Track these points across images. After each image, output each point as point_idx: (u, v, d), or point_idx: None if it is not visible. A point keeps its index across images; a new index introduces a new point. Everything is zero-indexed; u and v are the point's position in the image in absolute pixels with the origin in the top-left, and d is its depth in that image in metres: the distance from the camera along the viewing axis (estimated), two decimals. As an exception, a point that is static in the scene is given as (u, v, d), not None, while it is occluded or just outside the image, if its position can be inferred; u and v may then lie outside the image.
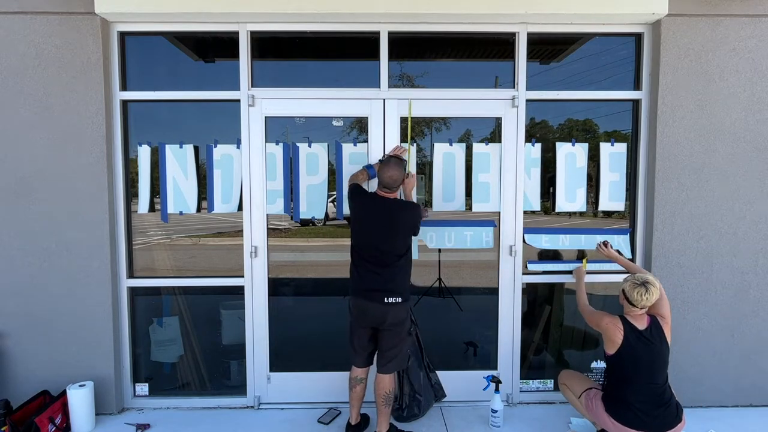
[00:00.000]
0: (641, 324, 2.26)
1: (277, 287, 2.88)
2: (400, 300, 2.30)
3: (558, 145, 2.84)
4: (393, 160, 2.39)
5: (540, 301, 2.99)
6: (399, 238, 2.33)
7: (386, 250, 2.31)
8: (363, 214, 2.38)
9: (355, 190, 2.45)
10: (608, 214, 2.91)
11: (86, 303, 2.67)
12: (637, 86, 2.83)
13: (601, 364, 2.96)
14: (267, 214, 2.80)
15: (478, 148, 2.82)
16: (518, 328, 2.88)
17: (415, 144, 2.80)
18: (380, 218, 2.32)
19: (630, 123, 2.86)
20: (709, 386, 2.82)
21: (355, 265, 2.40)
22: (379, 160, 2.63)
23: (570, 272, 2.84)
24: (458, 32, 2.76)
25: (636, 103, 2.83)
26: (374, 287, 2.30)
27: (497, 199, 2.82)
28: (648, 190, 2.81)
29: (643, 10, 2.60)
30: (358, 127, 2.81)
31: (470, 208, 2.83)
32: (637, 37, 2.81)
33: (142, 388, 2.89)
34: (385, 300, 2.28)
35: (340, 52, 2.84)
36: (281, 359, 2.89)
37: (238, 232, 2.81)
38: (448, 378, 2.80)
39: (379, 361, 2.41)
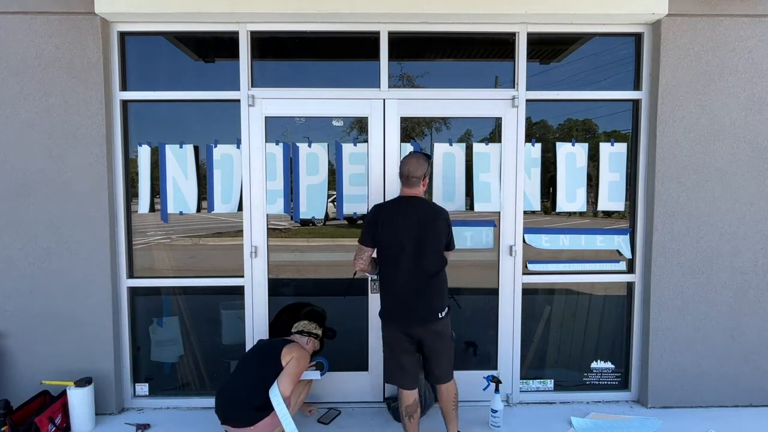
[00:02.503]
0: None
1: (277, 287, 2.88)
2: (446, 311, 2.20)
3: (558, 145, 2.84)
4: (416, 153, 2.26)
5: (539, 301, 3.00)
6: (439, 239, 2.17)
7: (424, 257, 2.14)
8: (388, 227, 2.16)
9: (371, 211, 2.26)
10: (608, 214, 2.91)
11: (86, 303, 2.68)
12: (637, 86, 2.83)
13: (602, 364, 2.96)
14: (267, 214, 2.80)
15: (478, 148, 2.82)
16: (518, 328, 2.89)
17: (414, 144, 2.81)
18: (409, 223, 2.14)
19: (630, 123, 2.87)
20: (709, 386, 2.82)
21: (389, 288, 2.19)
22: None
23: (569, 272, 2.85)
24: (458, 32, 2.76)
25: (636, 103, 2.83)
26: (420, 309, 2.14)
27: (498, 199, 2.82)
28: (648, 190, 2.81)
29: (643, 10, 2.60)
30: (358, 127, 2.81)
31: (471, 208, 2.83)
32: (637, 37, 2.81)
33: (142, 388, 2.89)
34: (439, 315, 2.17)
35: (340, 52, 2.84)
36: (281, 359, 2.89)
37: (238, 232, 2.81)
38: (448, 378, 2.79)
39: (439, 372, 2.25)
